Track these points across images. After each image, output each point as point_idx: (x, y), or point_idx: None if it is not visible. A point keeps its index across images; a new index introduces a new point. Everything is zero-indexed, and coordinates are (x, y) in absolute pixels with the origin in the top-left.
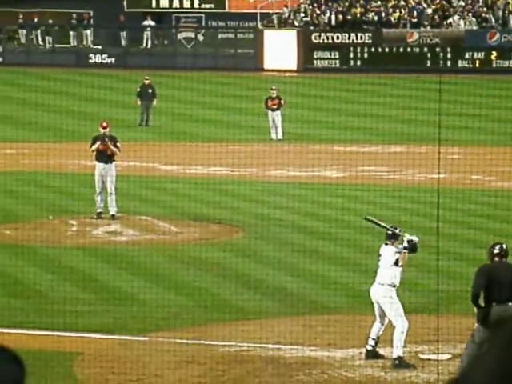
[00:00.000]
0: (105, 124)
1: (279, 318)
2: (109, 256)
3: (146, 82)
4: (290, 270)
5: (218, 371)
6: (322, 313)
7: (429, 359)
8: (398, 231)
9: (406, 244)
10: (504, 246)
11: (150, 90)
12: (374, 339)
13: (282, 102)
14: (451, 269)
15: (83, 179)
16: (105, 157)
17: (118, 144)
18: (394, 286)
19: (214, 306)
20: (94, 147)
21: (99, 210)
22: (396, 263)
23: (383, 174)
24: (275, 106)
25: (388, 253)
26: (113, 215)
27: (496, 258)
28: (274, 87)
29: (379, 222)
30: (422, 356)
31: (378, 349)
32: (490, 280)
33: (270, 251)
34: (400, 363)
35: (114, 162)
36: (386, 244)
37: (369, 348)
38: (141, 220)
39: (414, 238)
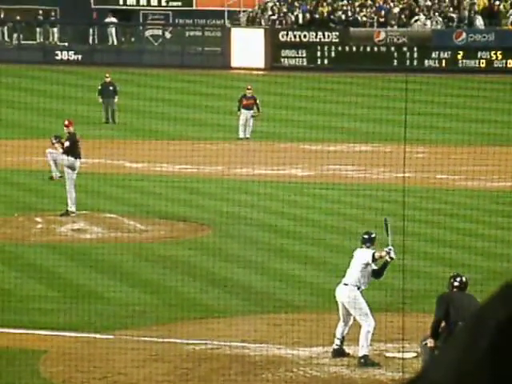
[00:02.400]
0: (66, 122)
1: (245, 316)
2: (74, 254)
3: (107, 79)
4: (256, 269)
5: (184, 369)
6: (288, 311)
7: (394, 357)
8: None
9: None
10: (464, 279)
11: (110, 88)
12: (339, 339)
13: (258, 101)
14: (416, 268)
15: (48, 176)
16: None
17: (66, 143)
18: (359, 288)
19: (179, 304)
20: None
21: (74, 210)
22: (367, 264)
23: (350, 172)
24: (250, 106)
25: (361, 255)
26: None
27: (455, 290)
28: (249, 86)
29: (388, 231)
30: (386, 354)
31: (344, 347)
32: (453, 306)
33: (237, 249)
34: (366, 362)
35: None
36: (361, 247)
37: (335, 347)
38: (106, 218)
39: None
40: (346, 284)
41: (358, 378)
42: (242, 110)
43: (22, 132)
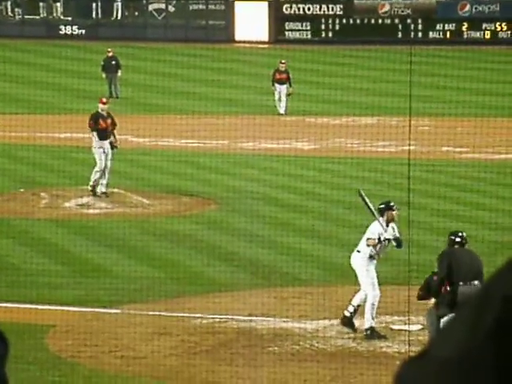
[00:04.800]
0: (104, 100)
1: (251, 289)
2: (81, 228)
3: (109, 54)
4: (262, 243)
5: (191, 343)
6: (294, 285)
7: (399, 330)
8: (389, 205)
9: (393, 240)
10: (464, 234)
11: (113, 62)
12: (353, 306)
13: (291, 76)
14: (422, 240)
15: (54, 151)
16: (106, 134)
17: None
18: (371, 257)
19: (186, 278)
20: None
21: (103, 190)
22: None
23: (355, 146)
24: (283, 80)
25: (373, 226)
26: (105, 192)
27: (456, 246)
28: (283, 61)
29: (367, 202)
30: (392, 327)
31: (354, 320)
32: (454, 263)
33: (243, 223)
34: (371, 334)
35: (108, 140)
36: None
37: (346, 314)
38: (113, 192)
39: (398, 236)
40: (358, 251)
41: (365, 351)
42: (276, 85)
43: (25, 106)
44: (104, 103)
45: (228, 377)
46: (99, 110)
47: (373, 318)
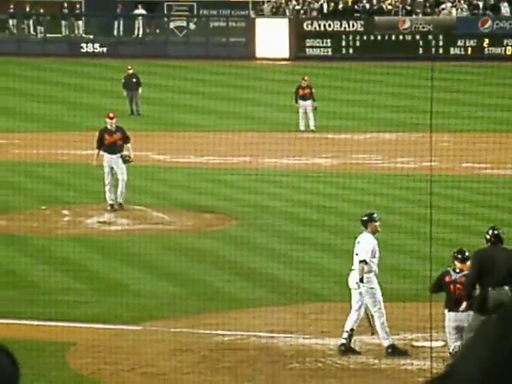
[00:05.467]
0: (111, 115)
1: (272, 306)
2: (102, 246)
3: (130, 71)
4: (283, 259)
5: (213, 360)
6: (315, 300)
7: (422, 346)
8: (372, 216)
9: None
10: (498, 231)
11: (134, 80)
12: (347, 332)
13: (314, 91)
14: (443, 255)
15: (75, 169)
16: (113, 149)
17: (128, 134)
18: (371, 272)
19: (207, 294)
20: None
21: (111, 202)
22: (365, 257)
23: (376, 161)
24: (307, 95)
25: (364, 239)
26: (121, 204)
27: (490, 243)
28: (305, 77)
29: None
30: (415, 343)
31: (351, 344)
32: (485, 265)
33: (263, 240)
34: (393, 351)
35: (120, 154)
36: (366, 232)
37: (343, 341)
38: (134, 210)
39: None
40: (354, 269)
41: (387, 368)
42: (300, 102)
43: (46, 125)
44: (111, 118)
45: None
46: (107, 126)
47: (388, 335)
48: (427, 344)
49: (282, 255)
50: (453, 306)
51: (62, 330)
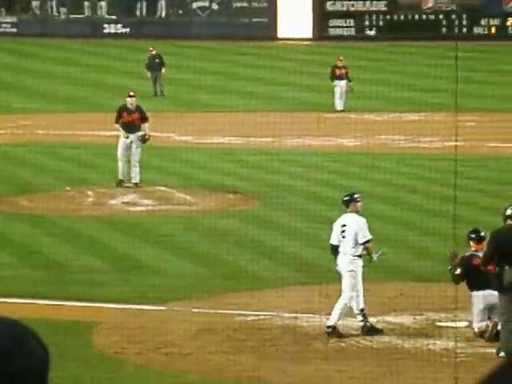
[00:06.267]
0: (131, 93)
1: (296, 286)
2: (126, 226)
3: (153, 52)
4: (306, 239)
5: (236, 340)
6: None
7: (446, 327)
8: (353, 196)
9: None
10: None
11: (157, 60)
12: (359, 314)
13: (348, 72)
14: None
15: (99, 150)
16: (130, 127)
17: (146, 115)
18: (360, 256)
19: (230, 274)
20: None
21: (121, 178)
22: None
23: (399, 142)
24: (343, 75)
25: (353, 220)
26: (136, 183)
27: (509, 221)
28: (341, 58)
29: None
30: (439, 324)
31: (368, 322)
32: (502, 244)
33: (286, 219)
34: (333, 332)
35: (138, 134)
36: (348, 212)
37: (360, 324)
38: (157, 190)
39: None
40: (344, 254)
41: (411, 348)
42: (336, 81)
43: (71, 107)
44: (131, 96)
45: (273, 373)
46: (127, 104)
47: (338, 318)
48: (452, 324)
49: (305, 234)
50: (484, 285)
51: (87, 310)
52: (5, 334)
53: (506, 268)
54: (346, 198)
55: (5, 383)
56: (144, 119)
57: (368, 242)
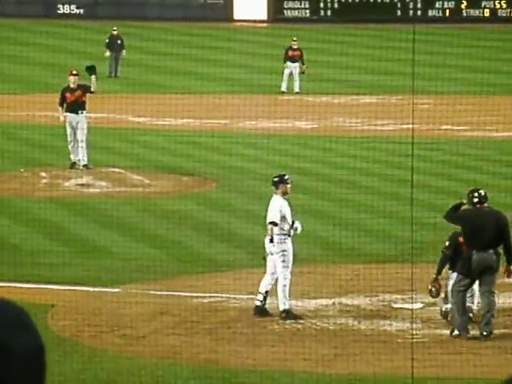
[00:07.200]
0: (74, 72)
1: (252, 269)
2: (81, 208)
3: (114, 32)
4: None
5: (192, 322)
6: (295, 264)
7: (402, 308)
8: (283, 178)
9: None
10: (482, 193)
11: (118, 41)
12: (262, 294)
13: (303, 54)
14: (425, 219)
15: (53, 131)
16: (74, 107)
17: (92, 88)
18: (284, 235)
19: (186, 257)
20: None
21: (73, 160)
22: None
23: (355, 125)
24: (296, 57)
25: (273, 201)
26: (85, 165)
27: (476, 205)
28: (294, 38)
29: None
30: (395, 305)
31: (264, 305)
32: (470, 226)
33: (243, 203)
34: (288, 315)
35: (84, 113)
36: (276, 194)
37: (257, 303)
38: (113, 172)
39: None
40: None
41: (367, 330)
42: (288, 63)
43: (24, 87)
44: (73, 75)
45: (229, 356)
46: (70, 84)
47: (286, 299)
48: (408, 306)
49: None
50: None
51: (43, 292)
52: (8, 313)
53: (474, 252)
54: (276, 179)
55: (9, 363)
56: (87, 90)
57: (271, 223)
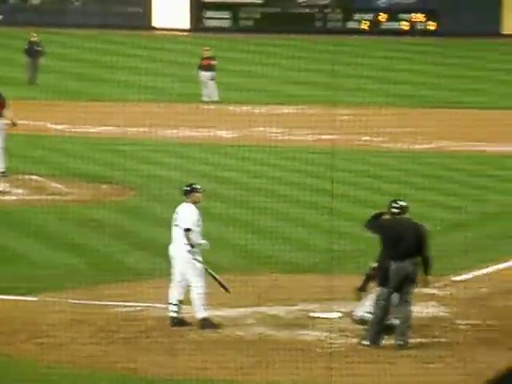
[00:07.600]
0: None
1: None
2: None
3: (33, 38)
4: None
5: (110, 331)
6: (218, 271)
7: (320, 317)
8: (195, 187)
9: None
10: (402, 204)
11: (37, 48)
12: (175, 304)
13: (216, 62)
14: (343, 229)
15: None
16: None
17: (5, 100)
18: (193, 246)
19: (105, 265)
20: None
21: (1, 170)
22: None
23: (276, 135)
24: (208, 66)
25: (186, 209)
26: (2, 172)
27: (396, 215)
28: (206, 48)
29: (215, 276)
30: (312, 314)
31: (183, 314)
32: (390, 236)
33: (161, 211)
34: (206, 324)
35: (1, 120)
36: (186, 202)
37: (173, 315)
38: (30, 180)
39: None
40: (184, 244)
41: (285, 338)
42: (201, 72)
43: None
44: None
45: (147, 365)
46: None
47: (203, 307)
48: (325, 315)
49: None
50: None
51: None
52: None
53: (392, 263)
54: (187, 189)
55: None
56: (3, 105)
57: (187, 230)
